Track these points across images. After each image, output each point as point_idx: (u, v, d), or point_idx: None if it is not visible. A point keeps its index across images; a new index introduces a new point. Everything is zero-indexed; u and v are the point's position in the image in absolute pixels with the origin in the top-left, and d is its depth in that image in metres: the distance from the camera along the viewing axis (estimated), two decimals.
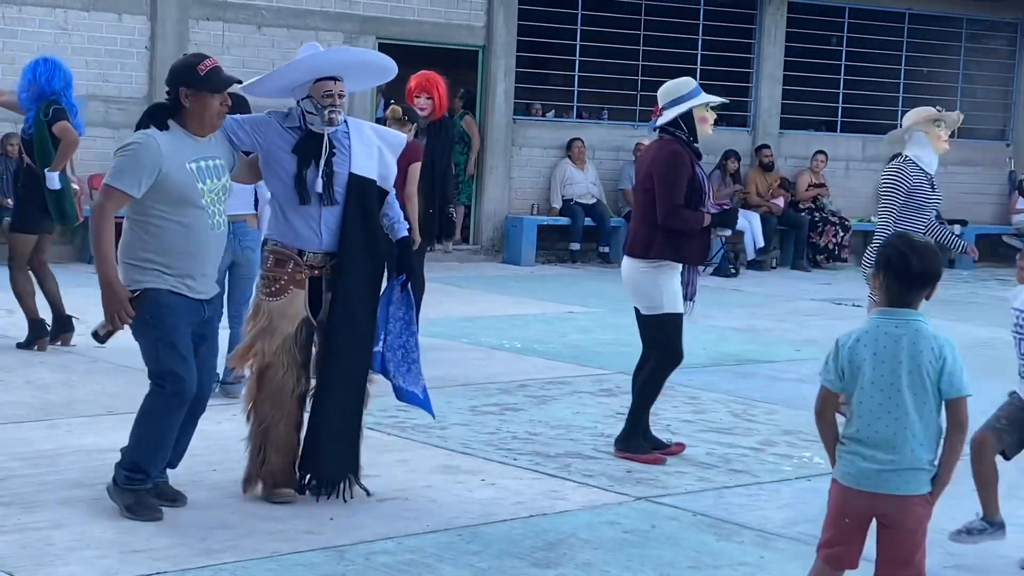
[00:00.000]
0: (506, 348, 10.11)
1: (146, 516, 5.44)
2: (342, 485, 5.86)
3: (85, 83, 13.82)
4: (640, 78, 17.59)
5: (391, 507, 5.85)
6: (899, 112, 19.40)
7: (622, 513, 5.96)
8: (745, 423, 7.93)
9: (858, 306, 13.74)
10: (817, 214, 17.70)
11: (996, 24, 20.27)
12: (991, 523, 5.44)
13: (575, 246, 16.71)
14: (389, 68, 6.04)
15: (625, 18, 17.34)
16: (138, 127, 5.48)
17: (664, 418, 7.91)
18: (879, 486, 4.13)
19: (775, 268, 17.27)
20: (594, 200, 16.72)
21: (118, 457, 5.61)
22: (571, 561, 5.27)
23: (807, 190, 17.89)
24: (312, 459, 5.84)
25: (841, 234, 17.69)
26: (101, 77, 14.22)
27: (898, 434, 4.10)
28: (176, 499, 5.68)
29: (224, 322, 7.95)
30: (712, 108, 6.96)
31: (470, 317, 11.47)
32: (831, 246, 17.67)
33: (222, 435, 7.00)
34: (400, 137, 6.18)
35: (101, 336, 5.45)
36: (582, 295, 13.52)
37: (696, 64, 17.83)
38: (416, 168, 9.03)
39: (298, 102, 5.81)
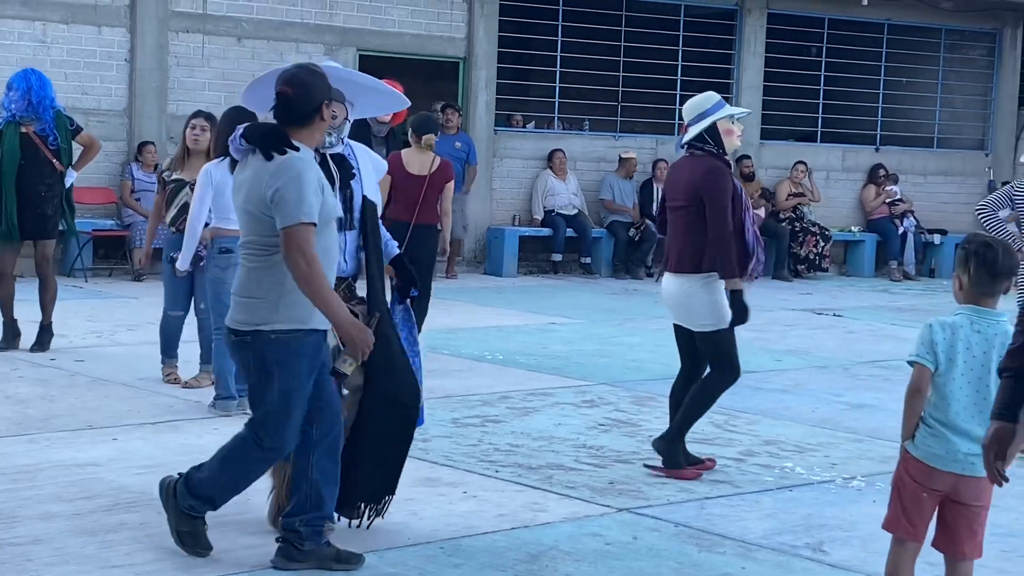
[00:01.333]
0: (488, 359, 10.11)
1: (194, 550, 5.16)
2: (374, 507, 5.66)
3: (64, 96, 13.75)
4: (621, 89, 17.63)
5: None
6: (878, 122, 19.50)
7: (604, 525, 5.95)
8: (727, 433, 7.94)
9: (839, 315, 13.78)
10: (797, 224, 17.75)
11: (974, 34, 20.37)
12: None
13: (557, 257, 16.72)
14: (401, 100, 5.88)
15: (606, 29, 17.38)
16: (271, 153, 4.94)
17: (647, 428, 7.91)
18: (967, 470, 4.46)
19: (756, 278, 17.26)
20: (575, 211, 16.73)
21: (177, 475, 5.22)
22: (553, 573, 5.26)
23: (787, 199, 17.94)
24: (353, 487, 5.57)
25: (822, 244, 17.73)
26: (80, 90, 14.19)
27: (984, 425, 4.33)
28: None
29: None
30: (735, 121, 6.92)
31: (452, 328, 11.45)
32: (812, 256, 17.71)
33: (203, 449, 6.97)
34: (383, 163, 6.20)
35: (349, 375, 5.07)
36: (564, 306, 13.52)
37: (676, 75, 17.88)
38: (451, 186, 9.72)
39: None
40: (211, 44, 14.83)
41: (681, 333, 7.02)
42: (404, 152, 9.60)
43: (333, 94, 5.12)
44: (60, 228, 9.85)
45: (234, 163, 7.59)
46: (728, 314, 6.83)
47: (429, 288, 9.80)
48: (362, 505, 5.64)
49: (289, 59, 14.95)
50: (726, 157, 6.91)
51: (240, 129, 5.09)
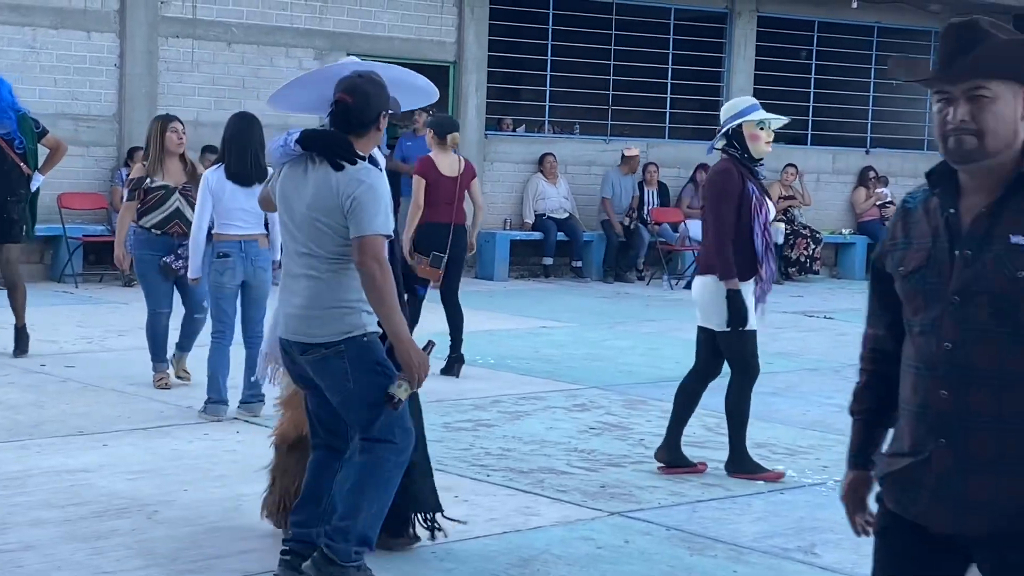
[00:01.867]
0: (479, 363, 10.10)
1: None
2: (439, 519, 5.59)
3: (54, 101, 13.80)
4: (611, 92, 17.64)
5: None
6: (868, 125, 19.52)
7: (596, 528, 5.95)
8: (718, 437, 7.92)
9: (830, 318, 13.78)
10: (788, 227, 17.77)
11: None
12: None
13: (548, 261, 16.73)
14: (431, 92, 5.64)
15: (596, 33, 17.39)
16: (340, 163, 4.81)
17: (638, 432, 7.91)
18: None
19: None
20: (566, 214, 16.74)
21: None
22: None
23: (777, 202, 17.95)
24: (426, 497, 5.51)
25: (812, 247, 17.76)
26: (70, 95, 14.16)
27: None
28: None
29: (238, 338, 8.03)
30: (766, 127, 6.92)
31: (444, 332, 11.43)
32: (803, 259, 17.74)
33: (193, 454, 6.98)
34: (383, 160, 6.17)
35: (403, 400, 4.89)
36: (555, 310, 13.52)
37: (667, 78, 17.90)
38: (477, 183, 9.99)
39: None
40: (201, 49, 14.82)
41: (702, 333, 7.07)
42: (432, 155, 9.71)
43: (391, 104, 5.04)
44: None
45: (233, 173, 7.68)
46: (750, 316, 6.89)
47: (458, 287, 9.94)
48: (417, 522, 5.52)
49: (279, 64, 14.97)
50: (751, 163, 6.91)
51: (294, 133, 4.93)
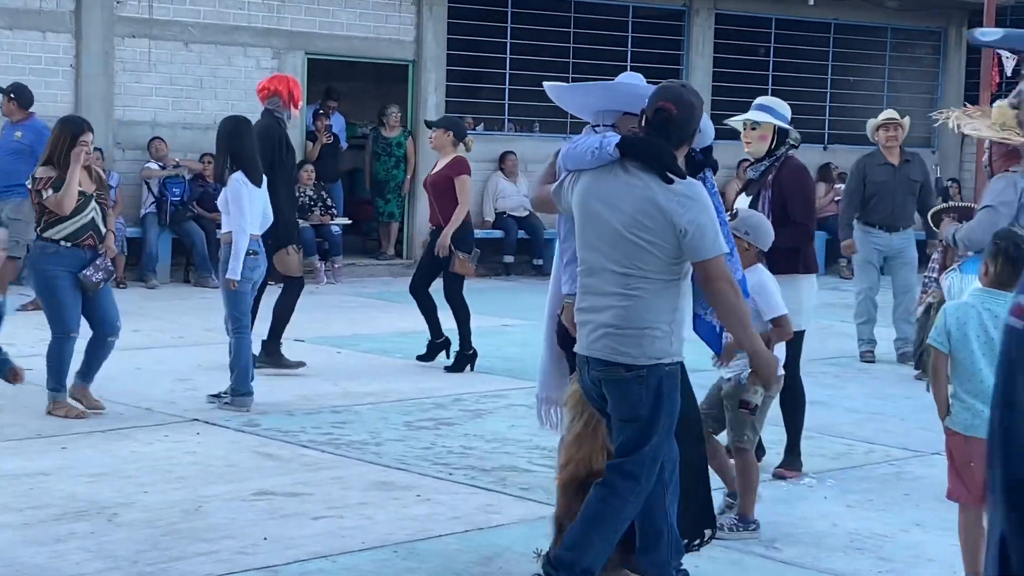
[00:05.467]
0: (440, 362, 10.08)
1: None
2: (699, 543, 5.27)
3: None
4: None
5: (325, 525, 5.81)
6: (826, 121, 19.62)
7: None
8: None
9: None
10: None
11: (920, 33, 20.55)
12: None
13: (509, 259, 16.72)
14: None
15: (555, 31, 17.41)
16: (671, 177, 4.58)
17: None
18: None
19: None
20: (527, 212, 16.74)
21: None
22: (508, 575, 5.26)
23: (735, 199, 18.02)
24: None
25: None
26: None
27: None
28: None
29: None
30: (745, 127, 7.43)
31: (404, 331, 11.42)
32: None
33: (152, 456, 6.95)
34: None
35: (759, 405, 4.93)
36: (516, 308, 13.51)
37: None
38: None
39: (593, 127, 5.16)
40: (157, 49, 14.72)
41: None
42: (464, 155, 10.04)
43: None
44: None
45: (255, 176, 8.15)
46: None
47: None
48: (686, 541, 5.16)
49: (237, 63, 14.89)
50: (752, 162, 7.61)
51: (611, 137, 4.69)
